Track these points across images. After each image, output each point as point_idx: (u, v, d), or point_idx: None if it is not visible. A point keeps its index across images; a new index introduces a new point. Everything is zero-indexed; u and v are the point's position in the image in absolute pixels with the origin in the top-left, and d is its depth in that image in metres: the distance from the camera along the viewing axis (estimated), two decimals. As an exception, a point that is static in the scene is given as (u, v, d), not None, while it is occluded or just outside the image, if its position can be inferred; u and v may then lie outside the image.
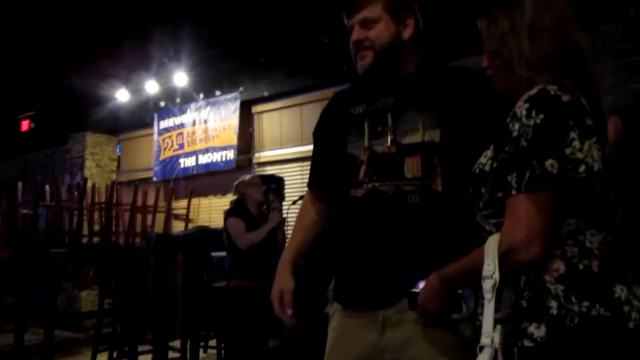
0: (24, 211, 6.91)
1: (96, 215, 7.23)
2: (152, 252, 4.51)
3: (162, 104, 7.32)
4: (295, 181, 5.98)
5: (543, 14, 1.15)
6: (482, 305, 1.11)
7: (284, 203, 5.12)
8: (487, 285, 1.05)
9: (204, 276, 4.74)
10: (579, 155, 1.02)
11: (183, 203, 7.25)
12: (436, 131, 1.34)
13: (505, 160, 1.08)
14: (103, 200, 7.30)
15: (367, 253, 1.38)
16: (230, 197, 6.67)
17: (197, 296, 4.14)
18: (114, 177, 8.22)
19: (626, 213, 2.76)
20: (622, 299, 1.03)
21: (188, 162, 7.06)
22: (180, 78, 6.72)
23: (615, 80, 4.01)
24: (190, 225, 6.97)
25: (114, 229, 7.05)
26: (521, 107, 1.07)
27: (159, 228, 7.14)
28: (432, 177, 1.33)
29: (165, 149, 7.41)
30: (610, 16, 4.10)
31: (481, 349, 1.04)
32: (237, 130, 6.45)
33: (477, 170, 1.18)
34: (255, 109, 6.69)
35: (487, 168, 1.15)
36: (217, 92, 6.73)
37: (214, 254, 5.01)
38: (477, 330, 1.12)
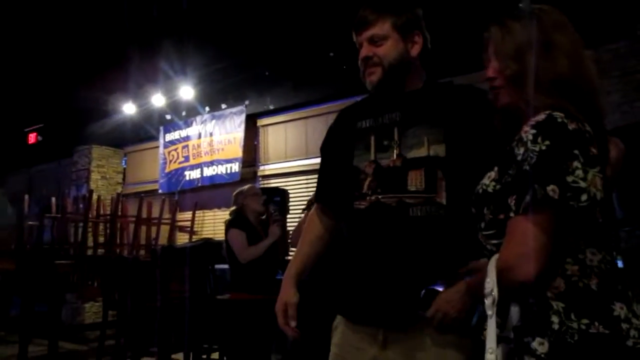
0: (30, 223, 6.93)
1: (101, 227, 7.25)
2: (156, 264, 4.52)
3: (168, 117, 7.37)
4: (300, 194, 5.99)
5: (560, 34, 1.15)
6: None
7: (288, 216, 5.14)
8: (487, 302, 1.06)
9: (208, 288, 4.74)
10: (582, 184, 1.02)
11: (188, 215, 7.27)
12: (441, 146, 1.36)
13: (508, 183, 1.09)
14: (108, 212, 7.32)
15: (369, 266, 1.38)
16: (235, 210, 6.71)
17: (200, 308, 4.13)
18: (119, 189, 8.26)
19: (632, 232, 2.76)
20: (621, 317, 1.03)
21: (193, 174, 7.09)
22: (186, 91, 6.78)
23: (623, 97, 4.02)
24: (195, 238, 6.97)
25: (118, 241, 7.06)
26: (527, 132, 1.07)
27: (163, 240, 7.15)
28: (435, 191, 1.34)
29: (170, 161, 7.45)
30: (617, 33, 4.12)
31: None
32: (242, 143, 6.49)
33: (480, 191, 1.18)
34: (261, 122, 6.73)
35: (490, 189, 1.16)
36: (223, 106, 6.78)
37: (217, 266, 5.01)
38: (480, 345, 1.13)
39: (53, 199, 7.50)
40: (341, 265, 1.48)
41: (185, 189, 7.22)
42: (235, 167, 6.52)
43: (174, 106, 7.20)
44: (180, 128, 7.34)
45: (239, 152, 6.52)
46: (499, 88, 1.21)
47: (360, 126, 1.50)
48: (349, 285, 1.44)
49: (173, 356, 4.03)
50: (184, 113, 7.23)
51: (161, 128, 7.57)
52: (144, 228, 7.16)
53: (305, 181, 6.11)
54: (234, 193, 3.83)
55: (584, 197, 1.02)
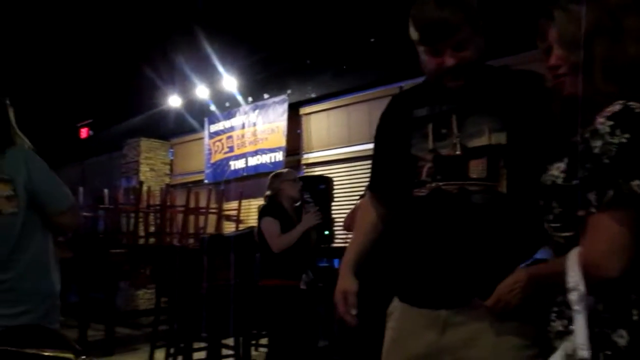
0: (85, 214, 7.22)
1: (151, 217, 7.48)
2: (205, 252, 4.63)
3: (212, 108, 7.51)
4: (344, 182, 6.00)
5: (629, 18, 1.10)
6: (556, 313, 1.12)
7: (332, 204, 5.16)
8: (574, 296, 1.04)
9: (254, 276, 4.82)
10: None
11: (234, 204, 7.40)
12: (502, 134, 1.33)
13: (586, 177, 1.05)
14: (157, 202, 7.54)
15: (431, 251, 1.37)
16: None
17: (247, 295, 4.22)
18: (167, 180, 8.49)
19: None
20: None
21: (238, 164, 7.21)
22: (229, 82, 6.88)
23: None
24: (241, 226, 7.10)
25: (168, 230, 7.27)
26: (604, 124, 1.04)
27: (210, 229, 7.32)
28: (497, 179, 1.32)
29: (215, 152, 7.59)
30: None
31: None
32: (285, 133, 6.54)
33: (549, 182, 1.15)
34: (303, 110, 6.76)
35: (559, 181, 1.13)
36: (265, 95, 6.85)
37: (264, 253, 5.09)
38: (546, 336, 1.13)
39: (105, 191, 7.78)
40: (399, 251, 1.48)
41: (231, 179, 7.36)
42: (279, 156, 6.59)
43: (218, 97, 7.33)
44: (224, 119, 7.47)
45: (282, 141, 6.58)
46: (563, 76, 1.17)
47: (416, 114, 1.47)
48: (410, 270, 1.44)
49: (223, 341, 4.14)
50: (227, 104, 7.35)
51: (206, 119, 7.72)
52: (192, 217, 7.35)
53: (348, 168, 6.11)
54: (271, 176, 3.73)
55: None
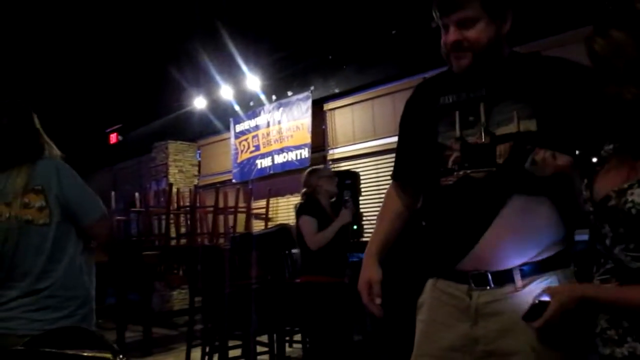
0: (118, 218, 7.38)
1: (182, 218, 7.59)
2: (235, 251, 4.69)
3: (237, 108, 7.57)
4: (370, 176, 5.98)
5: None
6: (617, 338, 1.10)
7: (360, 198, 5.15)
8: None
9: (286, 273, 4.86)
10: None
11: (262, 203, 7.46)
12: (532, 121, 1.31)
13: None
14: (187, 204, 7.65)
15: (460, 239, 1.36)
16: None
17: (280, 292, 4.25)
18: (195, 181, 8.60)
19: None
20: None
21: (264, 163, 7.25)
22: (253, 82, 6.92)
23: None
24: (270, 224, 7.15)
25: (198, 230, 7.37)
26: None
27: (240, 228, 7.39)
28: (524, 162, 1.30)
29: (242, 151, 7.66)
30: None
31: None
32: (310, 129, 6.55)
33: (634, 212, 1.07)
34: (327, 106, 6.75)
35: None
36: (289, 93, 6.87)
37: (294, 250, 5.13)
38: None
39: (136, 194, 7.93)
40: (428, 240, 1.47)
41: (258, 178, 7.41)
42: (305, 152, 6.60)
43: (242, 97, 7.39)
44: (249, 118, 7.52)
45: (307, 138, 6.59)
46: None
47: (443, 102, 1.45)
48: (440, 257, 1.43)
49: (257, 339, 4.18)
50: (251, 103, 7.40)
51: (231, 119, 7.78)
52: (221, 217, 7.43)
53: (374, 162, 6.09)
54: (306, 172, 3.72)
55: None
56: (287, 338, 4.75)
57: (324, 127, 6.79)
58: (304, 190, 3.64)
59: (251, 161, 7.48)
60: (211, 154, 8.66)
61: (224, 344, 4.16)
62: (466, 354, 1.34)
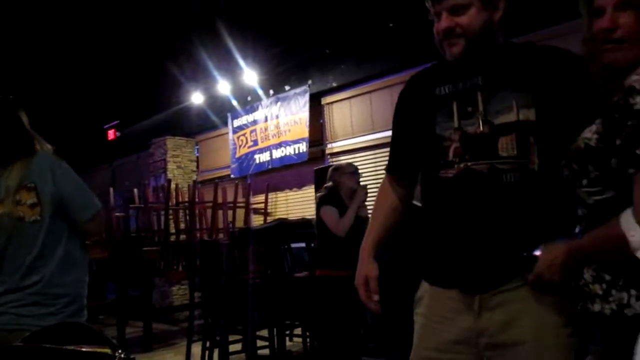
0: (117, 214, 7.37)
1: (181, 214, 7.59)
2: (235, 246, 4.69)
3: (235, 103, 7.56)
4: (369, 169, 5.97)
5: None
6: (593, 277, 1.11)
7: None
8: None
9: (285, 267, 4.86)
10: None
11: (261, 198, 7.46)
12: (531, 110, 1.30)
13: (630, 135, 1.02)
14: (186, 199, 7.65)
15: (463, 233, 1.35)
16: (306, 190, 6.83)
17: (280, 287, 4.26)
18: (194, 177, 8.59)
19: None
20: None
21: (263, 157, 7.25)
22: (250, 77, 6.91)
23: None
24: (269, 219, 7.16)
25: (198, 226, 7.37)
26: None
27: (239, 223, 7.40)
28: (528, 156, 1.30)
29: (240, 146, 7.65)
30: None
31: None
32: (308, 123, 6.54)
33: (582, 146, 1.12)
34: (325, 100, 6.74)
35: (592, 143, 1.10)
36: (287, 87, 6.86)
37: (293, 245, 5.13)
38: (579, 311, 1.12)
39: (135, 190, 7.92)
40: (428, 235, 1.45)
41: (257, 172, 7.41)
42: (303, 147, 6.60)
43: (239, 92, 7.38)
44: (247, 113, 7.51)
45: (305, 132, 6.58)
46: (618, 42, 1.12)
47: (439, 93, 1.44)
48: (442, 253, 1.41)
49: (258, 333, 4.19)
50: (249, 98, 7.39)
51: (229, 114, 7.77)
52: (220, 212, 7.44)
53: (373, 156, 6.09)
54: (331, 168, 3.84)
55: None
56: (287, 332, 4.76)
57: (322, 121, 6.79)
58: (327, 184, 3.77)
59: (249, 156, 7.48)
60: (209, 150, 8.65)
61: (225, 339, 4.17)
62: (470, 346, 1.34)
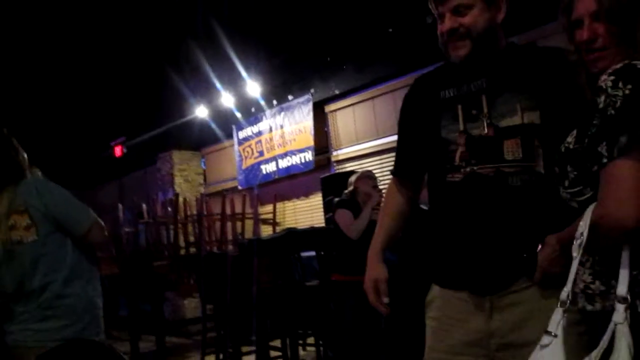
0: (126, 229, 7.41)
1: (190, 227, 7.62)
2: (245, 257, 4.69)
3: (239, 115, 7.60)
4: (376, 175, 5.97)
5: None
6: (591, 275, 1.13)
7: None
8: (575, 244, 1.06)
9: (296, 276, 4.86)
10: None
11: (269, 208, 7.48)
12: (535, 113, 1.31)
13: (594, 133, 1.05)
14: (194, 212, 7.68)
15: (472, 236, 1.36)
16: (314, 198, 6.83)
17: (291, 296, 4.26)
18: (201, 189, 8.63)
19: None
20: None
21: (269, 167, 7.27)
22: (253, 88, 6.94)
23: None
24: (278, 229, 7.16)
25: (207, 238, 7.39)
26: (606, 80, 1.04)
27: (248, 234, 7.41)
28: (534, 159, 1.30)
29: (246, 157, 7.68)
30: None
31: (563, 304, 1.08)
32: (312, 132, 6.56)
33: (562, 149, 1.16)
34: (328, 108, 6.77)
35: (571, 146, 1.13)
36: (290, 97, 6.88)
37: (303, 254, 5.13)
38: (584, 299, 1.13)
39: (144, 205, 7.96)
40: (436, 238, 1.46)
41: (264, 183, 7.43)
42: (309, 155, 6.62)
43: (243, 104, 7.41)
44: (251, 124, 7.55)
45: (310, 141, 6.60)
46: (600, 50, 1.14)
47: (444, 96, 1.44)
48: (451, 257, 1.42)
49: (270, 343, 4.19)
50: (253, 109, 7.42)
51: (233, 126, 7.81)
52: (229, 224, 7.46)
53: (379, 162, 6.09)
54: (350, 177, 3.95)
55: None
56: (300, 341, 4.75)
57: (326, 129, 6.80)
58: (346, 190, 3.87)
59: (256, 167, 7.50)
60: (216, 162, 8.68)
61: (238, 350, 4.18)
62: (482, 348, 1.34)
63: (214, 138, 8.19)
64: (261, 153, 7.41)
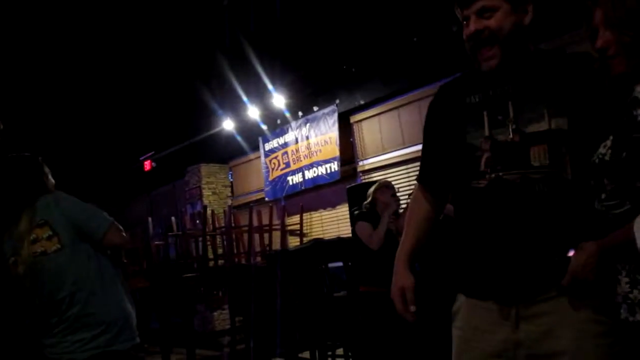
0: (157, 243, 7.52)
1: (218, 239, 7.69)
2: (273, 268, 4.71)
3: (264, 127, 7.67)
4: (402, 185, 5.94)
5: None
6: (629, 283, 1.10)
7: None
8: None
9: (324, 287, 4.84)
10: None
11: (296, 219, 7.49)
12: (563, 119, 1.28)
13: (635, 147, 1.03)
14: (222, 225, 7.74)
15: (497, 243, 1.33)
16: (340, 209, 6.82)
17: (319, 307, 4.24)
18: (229, 202, 8.71)
19: None
20: None
21: (295, 179, 7.30)
22: (278, 100, 7.01)
23: None
24: (305, 240, 7.17)
25: (235, 250, 7.44)
26: None
27: (276, 245, 7.43)
28: (561, 166, 1.28)
29: (272, 169, 7.73)
30: None
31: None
32: (338, 142, 6.57)
33: (597, 161, 1.13)
34: (354, 118, 6.77)
35: (607, 158, 1.11)
36: (315, 108, 6.92)
37: (331, 265, 5.12)
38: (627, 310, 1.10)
39: (173, 219, 8.07)
40: (461, 246, 1.44)
41: (290, 194, 7.46)
42: (335, 166, 6.62)
43: (269, 116, 7.48)
44: (277, 136, 7.60)
45: (336, 152, 6.61)
46: (612, 58, 1.15)
47: (469, 101, 1.43)
48: (477, 265, 1.40)
49: (300, 355, 4.18)
50: (278, 121, 7.48)
51: (260, 138, 7.88)
52: (257, 236, 7.49)
53: (405, 171, 6.06)
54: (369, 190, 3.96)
55: None
56: (330, 353, 4.72)
57: (352, 139, 6.80)
58: (365, 202, 3.87)
59: (282, 178, 7.54)
60: (243, 174, 8.76)
61: (267, 362, 4.18)
62: (508, 359, 1.32)
63: (241, 151, 8.28)
64: (287, 164, 7.45)
